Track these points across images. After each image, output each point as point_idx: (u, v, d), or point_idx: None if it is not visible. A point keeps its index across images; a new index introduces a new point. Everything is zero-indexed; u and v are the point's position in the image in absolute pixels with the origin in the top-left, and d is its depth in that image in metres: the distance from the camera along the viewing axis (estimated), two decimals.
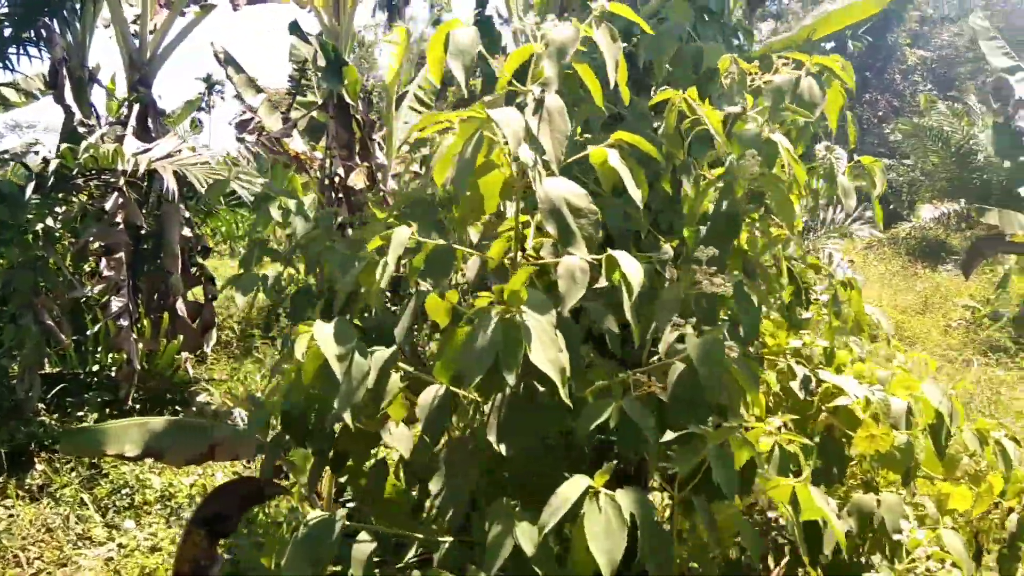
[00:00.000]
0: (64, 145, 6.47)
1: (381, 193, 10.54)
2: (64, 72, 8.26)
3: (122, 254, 6.96)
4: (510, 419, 2.22)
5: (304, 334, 2.21)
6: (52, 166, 6.31)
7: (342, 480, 4.50)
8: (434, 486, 2.35)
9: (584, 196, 2.22)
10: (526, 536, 2.07)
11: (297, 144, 10.92)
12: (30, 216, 6.44)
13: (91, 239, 6.84)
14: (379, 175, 10.55)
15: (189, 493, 6.11)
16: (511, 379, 1.92)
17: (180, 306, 7.99)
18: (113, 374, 7.46)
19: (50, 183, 6.48)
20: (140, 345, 7.18)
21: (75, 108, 8.29)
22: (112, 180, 7.14)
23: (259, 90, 11.46)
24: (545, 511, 2.01)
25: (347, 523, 2.25)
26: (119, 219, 6.93)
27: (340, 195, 10.44)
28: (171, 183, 6.38)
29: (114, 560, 5.44)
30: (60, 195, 6.91)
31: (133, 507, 5.97)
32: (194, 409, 7.86)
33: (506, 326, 1.95)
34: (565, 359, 1.96)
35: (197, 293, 8.83)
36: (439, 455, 2.43)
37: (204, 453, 4.43)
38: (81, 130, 8.24)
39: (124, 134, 7.51)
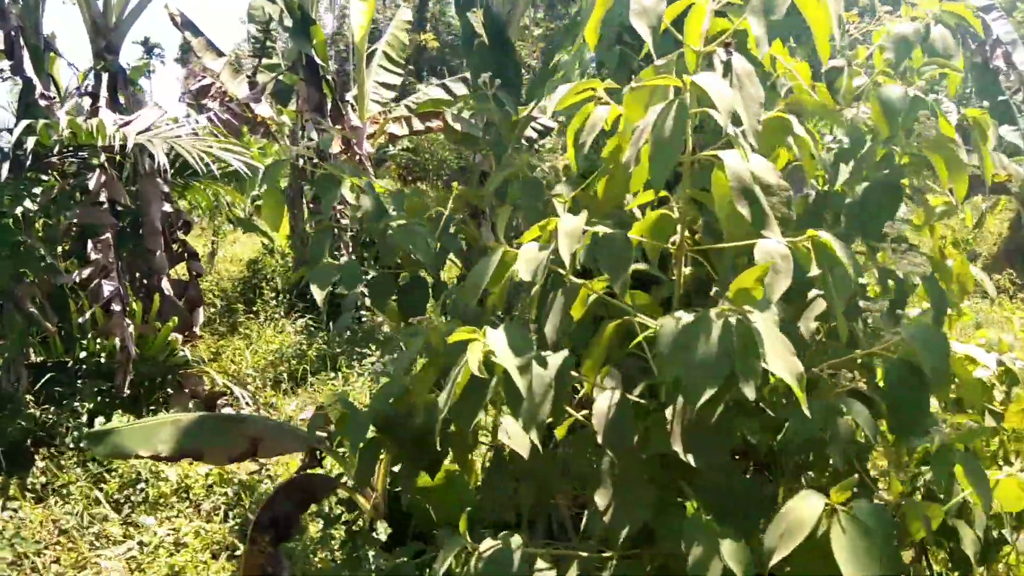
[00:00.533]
0: (42, 121, 5.91)
1: (357, 157, 10.10)
2: (21, 41, 7.60)
3: (109, 235, 6.47)
4: (698, 427, 1.96)
5: (474, 342, 1.90)
6: (30, 144, 5.76)
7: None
8: (600, 499, 2.08)
9: (773, 170, 1.94)
10: (735, 558, 1.83)
11: (263, 109, 10.38)
12: (8, 199, 5.90)
13: (75, 220, 6.32)
14: (353, 138, 10.09)
15: (205, 483, 5.74)
16: (751, 392, 1.65)
17: (166, 285, 7.52)
18: (103, 360, 6.99)
19: (28, 163, 5.94)
20: (131, 329, 6.72)
21: (35, 80, 7.65)
22: (90, 157, 6.61)
23: (220, 54, 10.85)
24: (770, 533, 1.76)
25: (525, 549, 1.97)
26: (103, 198, 6.42)
27: (315, 160, 9.96)
28: (161, 158, 5.90)
29: (137, 559, 5.08)
30: (35, 175, 6.36)
31: (148, 502, 5.59)
32: (186, 391, 7.46)
33: (741, 331, 1.68)
34: (799, 363, 1.70)
35: (179, 270, 8.35)
36: (598, 465, 2.16)
37: (247, 449, 4.09)
38: (42, 103, 7.62)
39: (99, 106, 6.94)
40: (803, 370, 1.69)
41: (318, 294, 2.86)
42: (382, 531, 4.11)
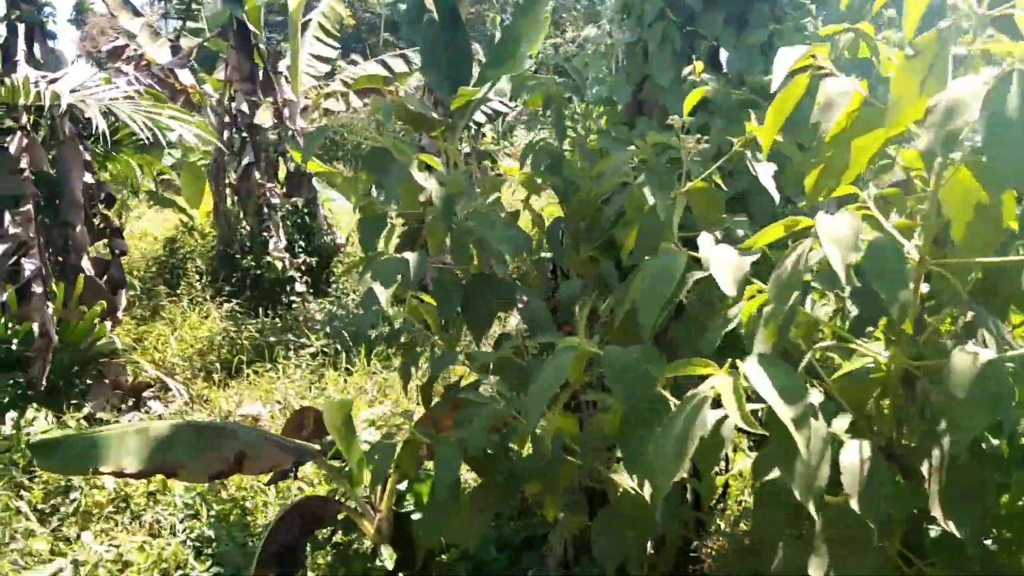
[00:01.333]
0: None
1: (290, 132, 9.32)
2: None
3: (30, 207, 5.59)
4: (957, 486, 1.54)
5: (724, 381, 1.41)
6: None
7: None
8: (816, 570, 1.63)
9: None
10: None
11: (186, 76, 9.48)
12: None
13: None
14: (286, 111, 9.31)
15: (147, 490, 5.00)
16: None
17: (86, 264, 6.63)
18: (14, 348, 6.08)
19: None
20: (51, 313, 5.86)
21: None
22: (3, 117, 5.70)
23: (137, 13, 9.84)
24: None
25: None
26: (24, 164, 5.53)
27: (244, 135, 9.15)
28: (99, 121, 5.09)
29: None
30: None
31: (80, 512, 4.81)
32: (107, 381, 6.62)
33: None
34: None
35: (98, 248, 7.43)
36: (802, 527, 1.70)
37: (231, 465, 3.46)
38: None
39: (16, 60, 5.99)
40: None
41: (381, 293, 2.28)
42: (387, 557, 3.55)
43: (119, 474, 3.42)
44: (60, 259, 6.67)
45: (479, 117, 8.96)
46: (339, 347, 7.65)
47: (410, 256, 2.42)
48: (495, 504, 2.32)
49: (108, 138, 5.31)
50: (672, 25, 3.70)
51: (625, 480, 2.11)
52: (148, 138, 5.21)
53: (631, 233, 2.46)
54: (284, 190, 9.50)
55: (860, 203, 1.82)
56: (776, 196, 2.23)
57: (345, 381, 7.13)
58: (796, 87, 1.72)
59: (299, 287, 9.07)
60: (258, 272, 8.90)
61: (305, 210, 9.37)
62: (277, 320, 8.39)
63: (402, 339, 3.06)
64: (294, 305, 8.88)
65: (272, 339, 7.78)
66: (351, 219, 11.92)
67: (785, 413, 1.35)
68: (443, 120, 8.12)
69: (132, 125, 5.13)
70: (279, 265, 8.95)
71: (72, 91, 5.43)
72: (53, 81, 5.52)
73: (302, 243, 9.31)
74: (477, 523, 2.36)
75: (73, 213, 6.45)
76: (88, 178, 6.70)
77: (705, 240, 2.11)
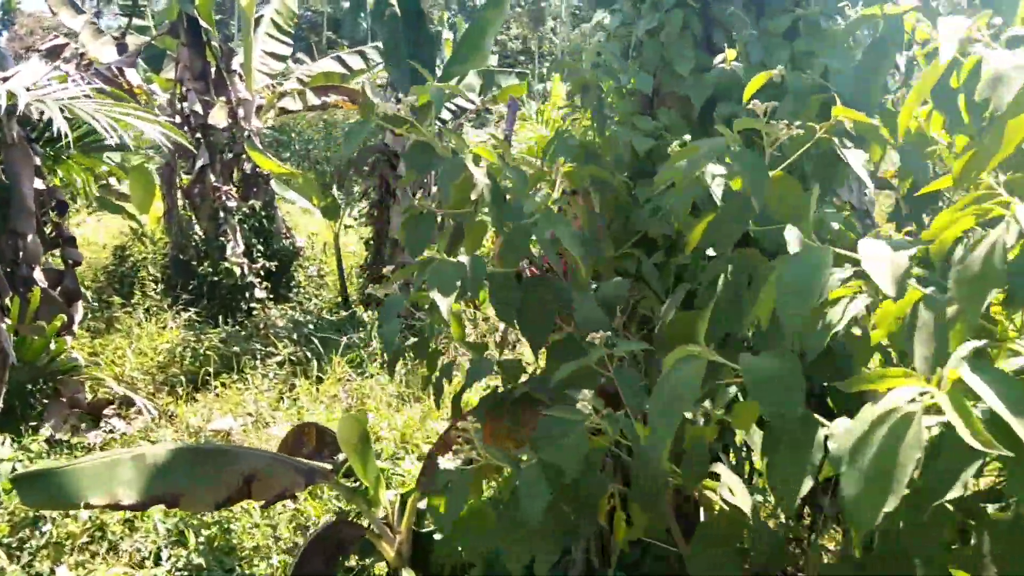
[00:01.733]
0: None
1: (246, 132, 8.93)
2: None
3: None
4: None
5: (938, 392, 1.21)
6: None
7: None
8: None
9: None
10: None
11: (133, 76, 9.00)
12: None
13: None
14: (241, 111, 8.92)
15: (124, 518, 4.63)
16: None
17: (38, 275, 6.19)
18: None
19: None
20: (6, 329, 5.43)
21: None
22: None
23: (79, 11, 9.34)
24: None
25: None
26: None
27: (198, 135, 8.73)
28: (60, 123, 4.70)
29: None
30: None
31: (52, 545, 4.43)
32: (63, 400, 6.19)
33: None
34: None
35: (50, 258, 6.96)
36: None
37: (238, 490, 3.16)
38: None
39: None
40: None
41: (442, 302, 2.04)
42: None
43: (115, 506, 3.10)
44: (10, 271, 6.22)
45: (444, 114, 8.70)
46: (308, 355, 7.33)
47: (465, 259, 2.19)
48: (572, 526, 2.11)
49: (71, 141, 4.89)
50: (692, 11, 3.53)
51: (717, 496, 1.92)
52: (115, 139, 4.83)
53: (698, 227, 2.27)
54: (240, 192, 9.09)
55: (988, 189, 1.66)
56: (870, 184, 2.06)
57: (317, 390, 6.81)
58: (939, 65, 1.54)
59: (259, 293, 8.69)
60: (215, 278, 8.50)
61: (263, 213, 8.99)
62: (239, 328, 8.00)
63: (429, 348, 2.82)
64: (254, 312, 8.50)
65: (236, 349, 7.40)
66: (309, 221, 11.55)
67: (1020, 427, 1.17)
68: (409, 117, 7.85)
69: (95, 125, 4.76)
70: (237, 271, 8.55)
71: (28, 90, 5.02)
72: (5, 80, 5.10)
73: (260, 247, 8.92)
74: (548, 547, 2.15)
75: (24, 221, 6.00)
76: (39, 184, 6.27)
77: (792, 234, 1.93)
